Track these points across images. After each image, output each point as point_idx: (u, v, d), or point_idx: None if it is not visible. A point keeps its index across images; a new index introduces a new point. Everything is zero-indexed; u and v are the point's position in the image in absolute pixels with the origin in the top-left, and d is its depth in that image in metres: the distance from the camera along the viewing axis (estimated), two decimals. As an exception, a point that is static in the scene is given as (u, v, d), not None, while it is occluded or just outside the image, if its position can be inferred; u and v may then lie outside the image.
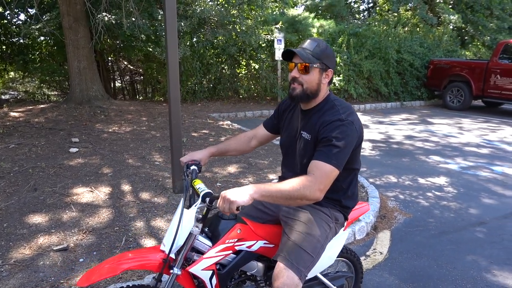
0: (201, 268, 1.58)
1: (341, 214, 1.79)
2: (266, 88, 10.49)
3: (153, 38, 8.99)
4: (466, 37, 15.86)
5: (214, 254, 1.60)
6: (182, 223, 1.54)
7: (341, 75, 10.82)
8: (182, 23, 7.66)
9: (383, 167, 5.21)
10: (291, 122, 1.86)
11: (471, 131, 7.76)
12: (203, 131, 6.86)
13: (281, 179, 1.85)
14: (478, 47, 15.79)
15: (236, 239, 1.64)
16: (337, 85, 10.77)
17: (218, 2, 8.61)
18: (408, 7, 15.44)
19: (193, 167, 1.82)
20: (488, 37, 15.64)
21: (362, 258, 2.90)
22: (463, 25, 15.04)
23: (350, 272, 2.15)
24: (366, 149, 6.19)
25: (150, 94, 13.34)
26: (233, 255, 1.67)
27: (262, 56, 10.67)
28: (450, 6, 15.12)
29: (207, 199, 1.53)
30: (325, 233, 1.70)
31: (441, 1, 15.23)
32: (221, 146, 2.03)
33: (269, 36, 9.79)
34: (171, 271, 1.55)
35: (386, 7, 16.38)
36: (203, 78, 10.42)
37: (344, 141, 1.56)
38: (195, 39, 9.96)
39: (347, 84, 10.90)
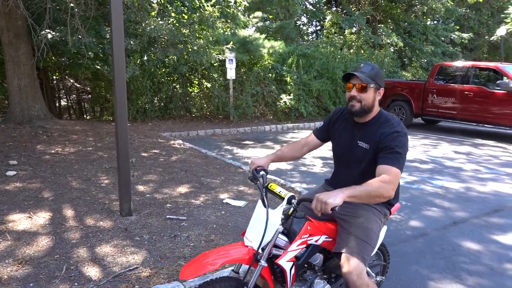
0: (286, 260, 1.86)
1: (388, 210, 2.15)
2: (218, 107, 10.52)
3: (101, 56, 8.75)
4: (405, 59, 16.99)
5: (295, 247, 1.88)
6: (269, 222, 1.79)
7: (291, 94, 11.12)
8: (132, 42, 7.54)
9: (332, 183, 5.35)
10: (343, 132, 2.17)
11: (415, 147, 8.23)
12: (153, 150, 6.70)
13: (331, 181, 2.25)
14: (416, 69, 16.96)
15: (308, 235, 1.94)
16: (287, 103, 11.04)
17: (169, 22, 8.59)
18: (353, 31, 16.31)
19: (262, 172, 2.07)
20: (425, 60, 16.90)
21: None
22: (402, 47, 16.13)
23: (382, 260, 2.52)
24: (317, 165, 6.35)
25: (98, 113, 12.88)
26: (305, 249, 1.94)
27: (214, 75, 10.73)
28: (390, 31, 16.19)
29: (294, 201, 1.83)
30: (379, 227, 2.05)
31: (382, 25, 16.28)
32: (278, 153, 2.34)
33: (220, 56, 9.89)
34: (258, 263, 1.79)
35: (333, 30, 17.21)
36: (154, 97, 10.25)
37: (403, 149, 1.90)
38: (145, 58, 9.82)
39: (298, 103, 11.21)
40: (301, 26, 20.46)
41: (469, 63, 10.22)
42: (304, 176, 5.68)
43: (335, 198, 1.62)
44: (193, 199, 4.31)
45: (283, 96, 11.18)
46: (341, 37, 16.21)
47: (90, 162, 5.69)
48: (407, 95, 11.08)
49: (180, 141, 7.69)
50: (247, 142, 8.44)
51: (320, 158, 6.93)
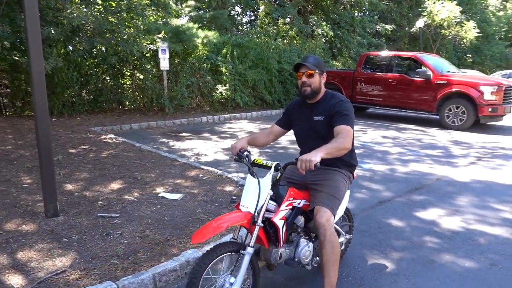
0: (279, 218, 2.25)
1: (351, 174, 2.61)
2: (153, 99, 10.18)
3: (19, 46, 8.00)
4: (335, 50, 17.73)
5: (284, 208, 2.29)
6: (262, 189, 2.16)
7: (227, 85, 11.10)
8: (53, 30, 6.98)
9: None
10: (300, 115, 2.59)
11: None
12: (82, 146, 6.33)
13: (301, 154, 2.44)
14: (346, 59, 17.78)
15: (292, 198, 2.35)
16: (224, 94, 11.00)
17: (95, 9, 8.08)
18: (286, 21, 16.62)
19: (246, 152, 2.38)
20: (353, 51, 17.77)
21: (250, 262, 2.99)
22: (333, 38, 16.80)
23: (348, 221, 2.92)
24: (254, 155, 6.43)
25: (19, 109, 11.83)
26: (290, 211, 2.33)
27: (147, 66, 10.34)
28: (321, 21, 16.75)
29: (280, 168, 2.25)
30: (344, 185, 2.50)
31: (313, 16, 16.77)
32: (253, 136, 2.64)
33: (152, 46, 9.55)
34: (256, 225, 2.13)
35: (267, 20, 17.39)
36: (82, 89, 9.64)
37: (349, 111, 2.37)
38: (70, 48, 9.17)
39: (234, 93, 11.22)
40: (235, 16, 20.41)
41: (392, 53, 10.93)
42: (241, 166, 5.73)
43: (315, 156, 2.02)
44: (126, 195, 4.16)
45: (219, 86, 11.12)
46: (275, 27, 16.45)
47: (10, 162, 5.23)
48: (338, 84, 11.59)
49: (112, 136, 7.34)
50: (183, 134, 8.29)
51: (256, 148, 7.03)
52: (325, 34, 16.17)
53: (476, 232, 3.53)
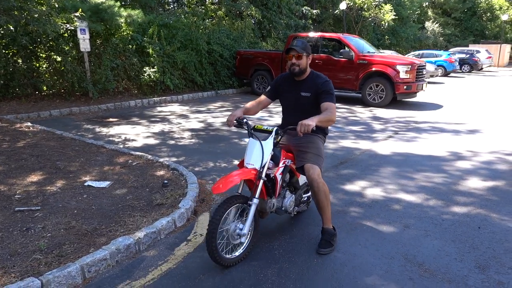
0: (278, 173, 2.79)
1: (325, 138, 3.19)
2: (73, 83, 9.47)
3: None
4: (263, 31, 17.87)
5: (281, 165, 2.83)
6: (265, 150, 2.66)
7: (155, 67, 10.69)
8: None
9: (202, 154, 5.44)
10: (288, 89, 3.08)
11: (278, 113, 8.86)
12: (-7, 137, 5.74)
13: (283, 126, 3.05)
14: (275, 40, 18.01)
15: (284, 158, 2.87)
16: (152, 77, 10.60)
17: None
18: (214, 1, 16.33)
19: (245, 120, 2.82)
20: (281, 32, 18.05)
21: (183, 244, 2.98)
22: (261, 19, 16.88)
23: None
24: (186, 138, 6.34)
25: None
26: (282, 168, 2.84)
27: (65, 47, 9.54)
28: (248, 2, 16.71)
29: (280, 131, 2.78)
30: (323, 147, 3.08)
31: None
32: (245, 107, 3.07)
33: (69, 25, 8.83)
34: (260, 179, 2.62)
35: (194, 0, 16.92)
36: (-12, 74, 8.66)
37: (333, 91, 2.94)
38: (-29, 27, 8.14)
39: (163, 76, 10.87)
40: (161, -5, 19.55)
41: (318, 34, 11.30)
42: (173, 150, 5.63)
43: (312, 121, 2.54)
44: (48, 186, 3.88)
45: (146, 69, 10.66)
46: (203, 7, 16.08)
47: None
48: (268, 65, 11.76)
49: (29, 124, 6.75)
50: (110, 119, 7.89)
51: (189, 130, 6.93)
52: (253, 15, 16.18)
53: (394, 200, 3.87)
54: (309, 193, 3.35)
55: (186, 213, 3.34)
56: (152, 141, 6.11)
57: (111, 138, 6.19)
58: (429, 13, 41.50)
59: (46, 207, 3.41)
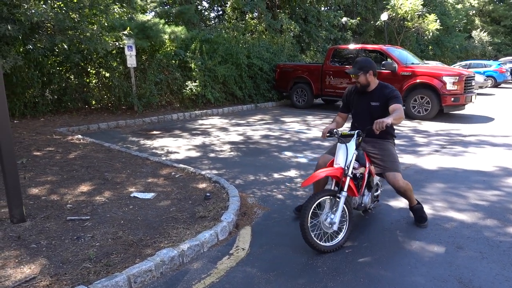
0: (366, 172, 3.24)
1: (395, 142, 3.60)
2: (120, 97, 9.92)
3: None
4: (303, 44, 17.88)
5: (367, 165, 3.26)
6: (349, 150, 3.05)
7: (197, 81, 10.97)
8: (9, 27, 6.64)
9: (242, 167, 5.46)
10: (358, 100, 3.51)
11: (316, 126, 8.77)
12: (47, 148, 6.09)
13: (352, 129, 3.49)
14: (314, 52, 17.96)
15: (367, 160, 3.29)
16: (194, 90, 10.87)
17: (54, 5, 7.75)
18: (254, 16, 16.59)
19: (334, 130, 3.24)
20: (320, 45, 17.98)
21: (226, 258, 2.98)
22: (301, 33, 16.92)
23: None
24: (226, 151, 6.40)
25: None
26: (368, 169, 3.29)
27: (113, 63, 10.05)
28: (288, 17, 16.83)
29: (361, 134, 3.16)
30: (395, 152, 3.46)
31: (281, 11, 16.82)
32: (337, 121, 3.67)
33: (117, 43, 9.28)
34: (347, 176, 3.00)
35: (235, 15, 17.28)
36: (44, 89, 9.26)
37: (400, 96, 3.31)
38: (30, 46, 8.76)
39: (204, 90, 11.11)
40: (203, 11, 20.16)
41: (359, 46, 11.14)
42: (214, 162, 5.70)
43: (387, 120, 2.93)
44: (97, 197, 4.04)
45: (188, 83, 10.97)
46: (243, 22, 16.37)
47: (-31, 167, 4.96)
48: (307, 78, 11.71)
49: (80, 136, 7.11)
50: (154, 132, 8.14)
51: (229, 143, 7.01)
52: (292, 29, 16.25)
53: (444, 218, 3.67)
54: (379, 192, 3.71)
55: (228, 226, 3.35)
56: (193, 153, 6.23)
57: (154, 151, 6.37)
58: (476, 21, 39.80)
59: (95, 217, 3.54)
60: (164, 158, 5.78)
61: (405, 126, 8.59)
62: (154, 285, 2.62)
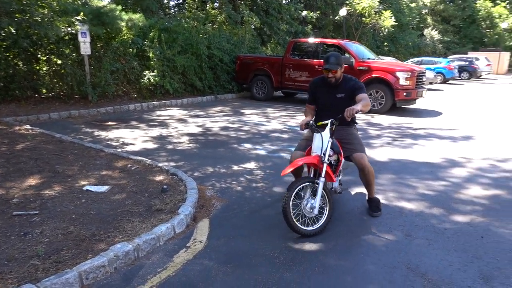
0: (342, 158, 3.53)
1: (357, 128, 3.91)
2: (73, 86, 9.45)
3: None
4: (264, 36, 17.91)
5: (340, 151, 3.47)
6: (324, 138, 3.24)
7: (155, 71, 10.69)
8: None
9: (201, 159, 5.41)
10: (325, 92, 3.66)
11: (275, 118, 8.85)
12: (-8, 139, 5.71)
13: (316, 121, 3.50)
14: (275, 45, 18.04)
15: (339, 145, 3.48)
16: (152, 80, 10.59)
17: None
18: (214, 6, 16.36)
19: (311, 122, 3.41)
20: (281, 37, 18.09)
21: (183, 251, 2.95)
22: (261, 25, 16.92)
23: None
24: (185, 143, 6.31)
25: None
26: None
27: (65, 50, 9.53)
28: (249, 8, 16.76)
29: (335, 122, 3.33)
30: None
31: (242, 2, 16.71)
32: (310, 114, 3.77)
33: (70, 29, 8.82)
34: (324, 163, 3.20)
35: (195, 4, 16.95)
36: (-12, 76, 8.63)
37: (363, 85, 3.57)
38: (-29, 29, 8.11)
39: (163, 80, 10.86)
40: (162, -1, 19.59)
41: (318, 40, 11.32)
42: (172, 154, 5.60)
43: (357, 107, 3.20)
44: (46, 191, 3.85)
45: (146, 72, 10.66)
46: (204, 11, 16.11)
47: None
48: (268, 70, 11.75)
49: (28, 126, 6.72)
50: (109, 123, 7.86)
51: (187, 135, 6.91)
52: (253, 22, 16.22)
53: (395, 208, 3.84)
54: (340, 177, 3.93)
55: (185, 219, 3.31)
56: (150, 145, 6.09)
57: (109, 142, 6.16)
58: (428, 20, 41.69)
59: (44, 211, 3.37)
60: (119, 150, 5.60)
61: (359, 119, 8.87)
62: (108, 280, 2.55)
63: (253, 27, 16.57)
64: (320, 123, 3.41)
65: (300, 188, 3.17)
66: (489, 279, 2.61)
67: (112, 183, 4.14)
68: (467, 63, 26.38)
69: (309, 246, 3.04)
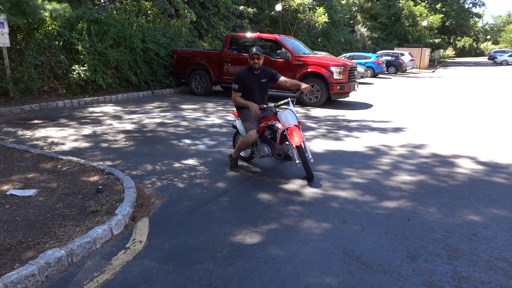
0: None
1: None
2: (-9, 81, 8.61)
3: None
4: (201, 30, 17.66)
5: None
6: (294, 111, 4.53)
7: (86, 65, 10.08)
8: None
9: (139, 157, 5.23)
10: (252, 80, 4.54)
11: (214, 113, 8.80)
12: None
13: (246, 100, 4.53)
14: (213, 39, 17.88)
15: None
16: (82, 75, 9.98)
17: None
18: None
19: (264, 105, 4.50)
20: (219, 31, 17.97)
21: (121, 252, 2.84)
22: (198, 19, 16.65)
23: None
24: (121, 140, 6.05)
25: None
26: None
27: (-21, 42, 8.63)
28: (184, 1, 16.40)
29: (293, 99, 4.68)
30: None
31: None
32: (247, 100, 4.55)
33: (-16, 18, 8.00)
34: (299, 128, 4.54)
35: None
36: None
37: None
38: None
39: (94, 74, 10.29)
40: (90, -11, 18.44)
41: (255, 35, 11.43)
42: (107, 153, 5.34)
43: (305, 84, 4.65)
44: (-38, 197, 3.48)
45: (76, 67, 10.02)
46: (135, 3, 15.47)
47: None
48: (206, 65, 11.63)
49: None
50: (35, 121, 7.30)
51: (123, 132, 6.63)
52: (189, 16, 15.91)
53: (331, 197, 4.02)
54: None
55: (123, 219, 3.19)
56: (83, 144, 5.76)
57: (36, 142, 5.72)
58: (358, 17, 43.87)
59: (-40, 221, 3.05)
60: (47, 150, 5.23)
61: (297, 113, 9.12)
62: (38, 290, 2.38)
63: (189, 20, 16.25)
64: (279, 103, 4.51)
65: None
66: (415, 257, 2.84)
67: (40, 186, 3.85)
68: (393, 58, 28.22)
69: (251, 239, 3.08)
